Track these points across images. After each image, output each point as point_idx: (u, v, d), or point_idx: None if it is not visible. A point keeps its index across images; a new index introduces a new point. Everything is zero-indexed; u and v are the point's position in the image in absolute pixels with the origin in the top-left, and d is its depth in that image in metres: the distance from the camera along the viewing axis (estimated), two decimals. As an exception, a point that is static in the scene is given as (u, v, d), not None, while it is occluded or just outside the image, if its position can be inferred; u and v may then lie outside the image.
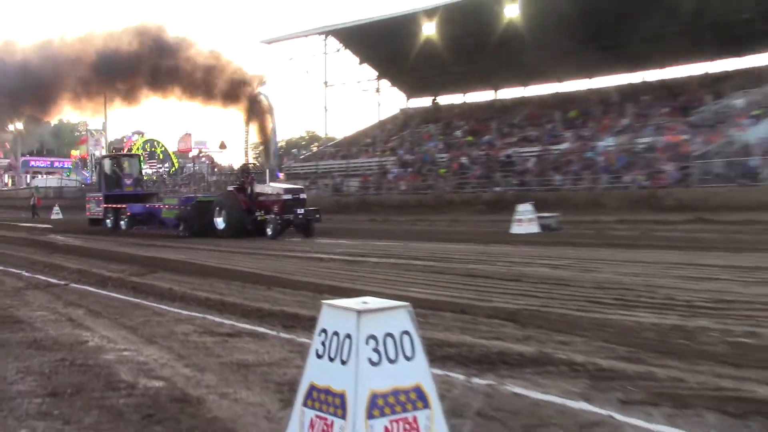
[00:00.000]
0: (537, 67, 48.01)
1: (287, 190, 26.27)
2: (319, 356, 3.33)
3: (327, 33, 56.66)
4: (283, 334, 8.03)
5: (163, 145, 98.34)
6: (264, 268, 14.82)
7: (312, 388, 3.33)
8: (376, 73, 59.92)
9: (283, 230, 25.29)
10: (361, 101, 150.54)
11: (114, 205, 32.53)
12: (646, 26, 40.71)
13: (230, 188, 28.87)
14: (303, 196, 26.45)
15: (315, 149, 70.57)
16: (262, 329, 8.34)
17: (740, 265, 12.84)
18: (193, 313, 9.62)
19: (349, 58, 59.20)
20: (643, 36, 41.75)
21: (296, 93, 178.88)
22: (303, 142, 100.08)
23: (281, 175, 30.58)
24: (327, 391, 3.25)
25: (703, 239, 18.68)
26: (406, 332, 3.28)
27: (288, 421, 3.47)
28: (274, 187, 26.75)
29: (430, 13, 47.47)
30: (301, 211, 25.41)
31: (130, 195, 33.19)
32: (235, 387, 5.83)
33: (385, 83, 60.61)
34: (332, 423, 3.20)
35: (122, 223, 31.81)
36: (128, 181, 34.16)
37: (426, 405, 3.28)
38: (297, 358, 6.54)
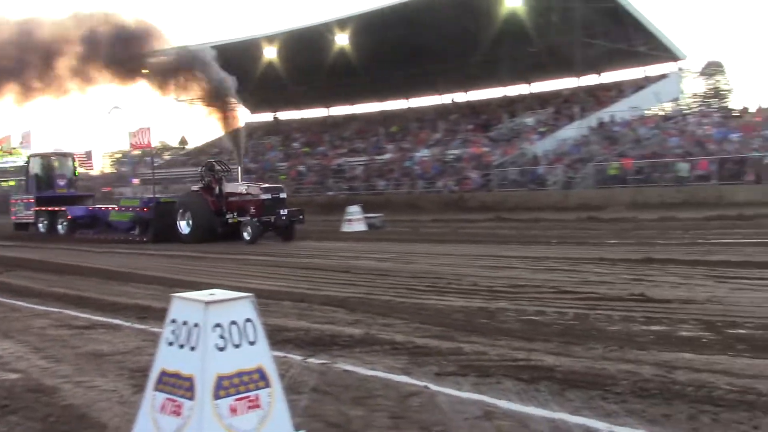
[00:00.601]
0: (364, 89, 48.60)
1: (266, 189, 20.91)
2: (169, 344, 3.21)
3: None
4: (136, 325, 7.69)
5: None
6: (121, 265, 14.17)
7: (163, 373, 3.21)
8: (223, 91, 58.50)
9: (262, 233, 20.16)
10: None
11: (47, 208, 26.00)
12: (454, 56, 42.09)
13: (195, 188, 23.04)
14: (283, 195, 20.97)
15: (168, 157, 68.22)
16: (117, 321, 7.96)
17: (531, 255, 13.37)
18: (49, 308, 9.05)
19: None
20: (452, 64, 43.12)
21: (151, 106, 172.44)
22: (155, 151, 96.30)
23: (135, 181, 28.33)
24: (177, 376, 3.14)
25: (501, 234, 19.25)
26: (249, 320, 3.23)
27: (140, 404, 3.33)
28: (250, 186, 21.29)
29: (271, 39, 46.98)
30: (284, 211, 20.23)
31: (64, 197, 26.73)
32: (90, 375, 5.52)
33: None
34: (182, 404, 3.09)
35: (60, 227, 25.25)
36: (61, 182, 27.72)
37: (267, 384, 3.24)
38: (150, 346, 6.26)
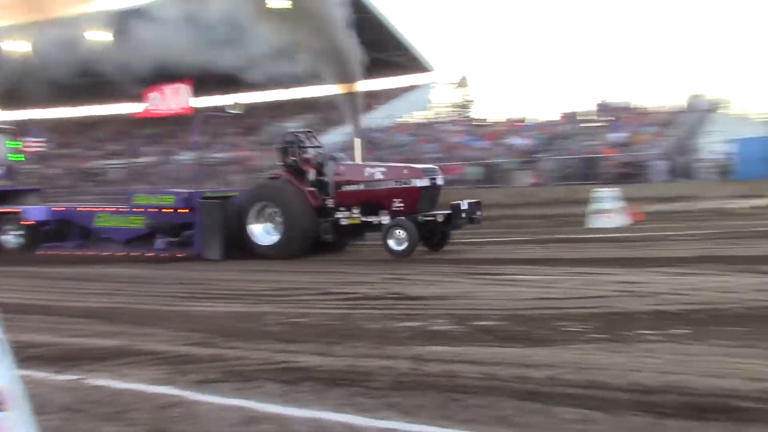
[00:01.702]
0: (123, 88, 46.32)
1: (421, 171, 13.63)
2: None
3: None
4: None
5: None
6: None
7: None
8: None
9: (423, 239, 13.23)
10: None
11: None
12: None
13: (272, 173, 15.20)
14: (441, 180, 13.99)
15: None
16: None
17: (297, 259, 13.25)
18: None
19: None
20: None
21: None
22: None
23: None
24: None
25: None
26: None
27: None
28: (391, 168, 13.96)
29: (15, 30, 43.25)
30: (464, 204, 13.34)
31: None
32: None
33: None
34: None
35: (7, 238, 16.28)
36: None
37: (10, 407, 2.96)
38: None
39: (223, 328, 7.18)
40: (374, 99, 42.40)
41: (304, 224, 13.53)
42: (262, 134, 40.39)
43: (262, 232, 13.85)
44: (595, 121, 34.12)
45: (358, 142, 15.54)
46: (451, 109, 44.98)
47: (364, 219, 13.47)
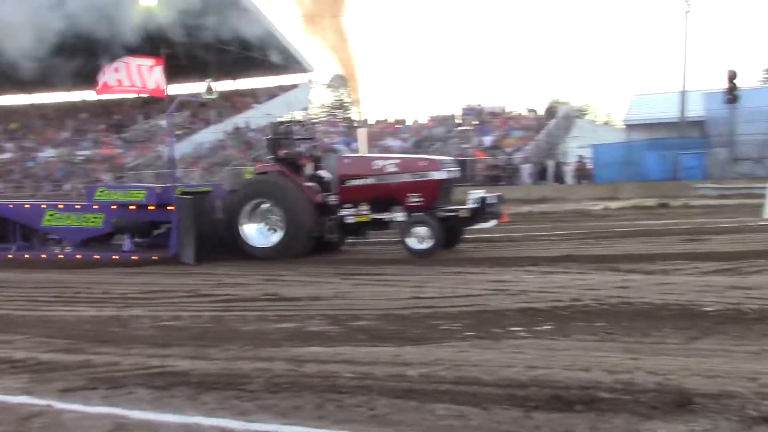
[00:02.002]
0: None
1: (439, 163, 12.58)
2: None
3: None
4: None
5: None
6: None
7: None
8: None
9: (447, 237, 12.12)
10: None
11: None
12: (86, 53, 39.65)
13: (262, 167, 13.53)
14: (457, 173, 13.28)
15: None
16: None
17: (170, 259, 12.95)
18: None
19: None
20: (82, 61, 40.61)
21: None
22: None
23: None
24: None
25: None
26: None
27: None
28: (407, 158, 13.13)
29: None
30: (492, 198, 12.35)
31: None
32: None
33: None
34: None
35: None
36: None
37: None
38: None
39: (91, 333, 6.89)
40: (251, 98, 41.91)
41: (307, 222, 12.27)
42: (131, 132, 39.02)
43: (257, 233, 12.53)
44: (463, 125, 35.14)
45: (363, 133, 14.30)
46: (329, 109, 45.19)
47: (374, 216, 12.29)
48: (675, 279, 8.53)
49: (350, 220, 12.35)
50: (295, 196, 12.35)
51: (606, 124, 42.20)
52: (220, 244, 12.42)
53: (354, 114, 43.72)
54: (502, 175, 28.92)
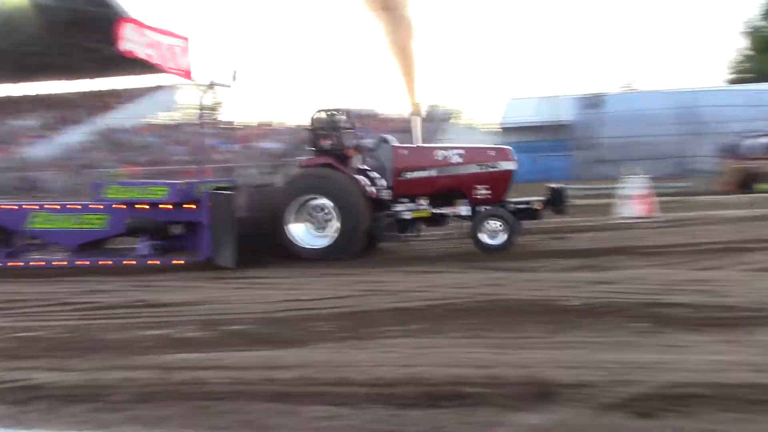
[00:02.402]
0: None
1: (509, 153, 11.79)
2: None
3: None
4: None
5: None
6: None
7: None
8: None
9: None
10: None
11: None
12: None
13: (304, 159, 12.36)
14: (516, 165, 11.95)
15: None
16: None
17: (34, 266, 12.28)
18: None
19: None
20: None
21: None
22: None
23: None
24: None
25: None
26: None
27: None
28: (470, 150, 11.90)
29: None
30: (566, 189, 12.00)
31: None
32: None
33: None
34: None
35: None
36: None
37: None
38: None
39: (-61, 347, 6.45)
40: (116, 98, 40.44)
41: (364, 219, 11.20)
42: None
43: (306, 233, 11.40)
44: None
45: (417, 121, 13.00)
46: (198, 111, 44.30)
47: (435, 211, 11.53)
48: (542, 276, 8.94)
49: (407, 215, 11.55)
50: (351, 190, 11.31)
51: (472, 127, 43.54)
52: (257, 245, 11.22)
53: (224, 116, 43.09)
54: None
